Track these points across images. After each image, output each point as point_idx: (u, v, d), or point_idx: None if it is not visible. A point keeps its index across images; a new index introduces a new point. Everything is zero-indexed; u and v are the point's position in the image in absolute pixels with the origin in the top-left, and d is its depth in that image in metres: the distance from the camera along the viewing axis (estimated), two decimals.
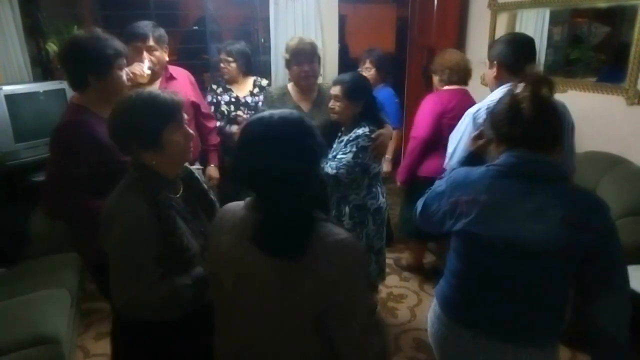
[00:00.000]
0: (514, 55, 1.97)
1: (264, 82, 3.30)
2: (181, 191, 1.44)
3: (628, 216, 2.53)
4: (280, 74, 4.12)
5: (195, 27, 4.69)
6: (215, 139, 2.89)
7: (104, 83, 1.72)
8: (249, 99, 3.19)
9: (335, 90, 2.22)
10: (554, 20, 3.79)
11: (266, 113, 1.09)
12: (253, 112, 2.96)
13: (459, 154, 1.98)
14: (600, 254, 1.20)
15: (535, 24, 3.85)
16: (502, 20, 3.84)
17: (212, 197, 1.55)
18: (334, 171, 2.17)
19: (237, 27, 4.85)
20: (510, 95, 1.30)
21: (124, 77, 1.79)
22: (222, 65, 3.18)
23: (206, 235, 1.38)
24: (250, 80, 3.27)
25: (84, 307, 2.86)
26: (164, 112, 1.31)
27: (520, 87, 1.30)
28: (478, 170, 1.36)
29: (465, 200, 1.33)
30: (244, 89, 3.23)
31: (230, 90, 3.21)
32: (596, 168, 2.86)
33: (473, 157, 1.55)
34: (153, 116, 1.30)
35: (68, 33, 3.22)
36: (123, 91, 1.74)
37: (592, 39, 3.90)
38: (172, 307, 1.31)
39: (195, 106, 2.65)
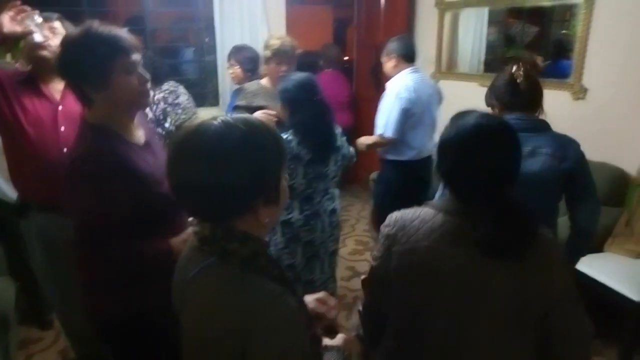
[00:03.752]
0: (409, 48, 2.85)
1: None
2: None
3: None
4: (227, 74, 3.94)
5: (127, 28, 4.36)
6: None
7: (108, 94, 1.25)
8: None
9: None
10: (491, 20, 3.96)
11: (482, 115, 1.11)
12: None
13: (393, 122, 2.72)
14: (578, 174, 1.69)
15: (475, 24, 4.00)
16: (448, 20, 3.94)
17: None
18: None
19: (179, 26, 4.60)
20: (509, 74, 1.77)
21: (135, 81, 1.27)
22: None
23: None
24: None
25: (20, 337, 2.53)
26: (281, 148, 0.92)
27: (514, 68, 1.78)
28: None
29: None
30: None
31: None
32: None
33: None
34: (275, 154, 0.89)
35: None
36: (137, 98, 1.31)
37: (525, 38, 4.13)
38: None
39: None
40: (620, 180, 2.71)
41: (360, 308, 1.31)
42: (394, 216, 1.17)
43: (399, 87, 2.73)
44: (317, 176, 2.16)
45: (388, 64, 2.86)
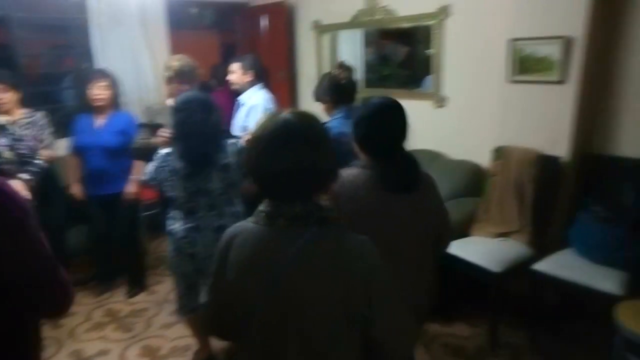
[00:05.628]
0: (261, 67, 3.30)
1: (1, 119, 2.71)
2: None
3: (451, 199, 3.02)
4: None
5: None
6: None
7: None
8: None
9: None
10: (367, 42, 4.32)
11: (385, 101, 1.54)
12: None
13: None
14: None
15: (353, 45, 4.33)
16: (326, 41, 4.22)
17: None
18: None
19: (52, 52, 4.41)
20: (331, 77, 2.35)
21: None
22: None
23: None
24: None
25: None
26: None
27: (337, 71, 2.36)
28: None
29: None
30: None
31: None
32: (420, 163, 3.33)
33: None
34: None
35: None
36: None
37: (397, 57, 4.55)
38: None
39: None
40: (477, 174, 3.12)
41: None
42: (340, 178, 1.44)
43: (263, 99, 3.11)
44: (199, 191, 2.14)
45: (244, 77, 3.15)
